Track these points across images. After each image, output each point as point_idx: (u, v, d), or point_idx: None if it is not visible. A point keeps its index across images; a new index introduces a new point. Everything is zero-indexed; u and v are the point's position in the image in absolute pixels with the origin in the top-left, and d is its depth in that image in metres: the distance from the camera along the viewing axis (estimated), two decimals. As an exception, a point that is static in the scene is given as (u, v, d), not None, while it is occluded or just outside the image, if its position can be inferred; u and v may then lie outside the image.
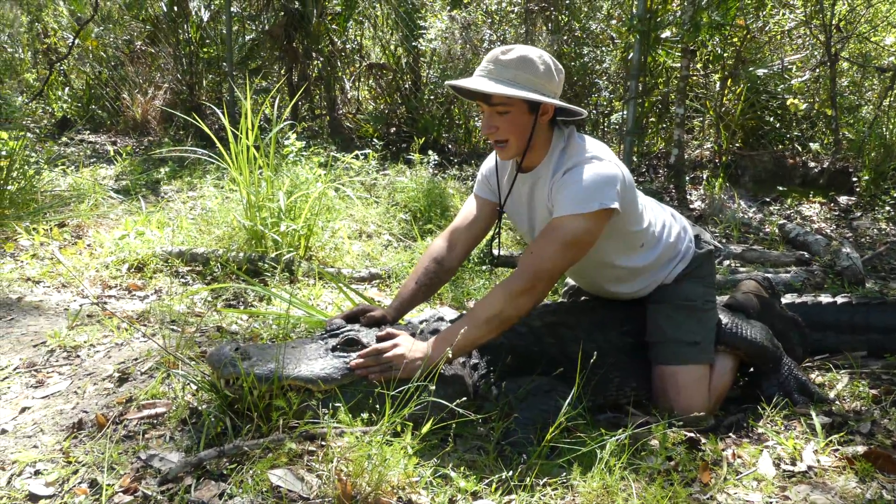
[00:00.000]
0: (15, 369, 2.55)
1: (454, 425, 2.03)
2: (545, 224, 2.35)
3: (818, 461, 2.16)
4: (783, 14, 6.11)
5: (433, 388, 1.90)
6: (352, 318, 2.46)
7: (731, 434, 2.46)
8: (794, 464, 2.16)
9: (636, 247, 2.51)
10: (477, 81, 2.27)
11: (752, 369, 2.86)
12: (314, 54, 7.99)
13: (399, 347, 2.17)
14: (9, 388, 2.42)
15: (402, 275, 3.83)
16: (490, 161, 2.67)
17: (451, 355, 2.06)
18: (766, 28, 6.29)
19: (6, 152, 4.27)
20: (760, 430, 2.43)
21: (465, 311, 3.00)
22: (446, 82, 2.45)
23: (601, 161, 2.29)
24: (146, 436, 2.07)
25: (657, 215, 2.62)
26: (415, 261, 3.97)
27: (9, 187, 4.03)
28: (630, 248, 2.51)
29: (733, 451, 2.26)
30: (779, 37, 6.39)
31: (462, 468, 1.93)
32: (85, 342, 2.78)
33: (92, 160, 6.84)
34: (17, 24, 10.46)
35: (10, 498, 1.79)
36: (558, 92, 2.33)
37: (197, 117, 4.37)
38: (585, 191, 2.21)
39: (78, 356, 2.68)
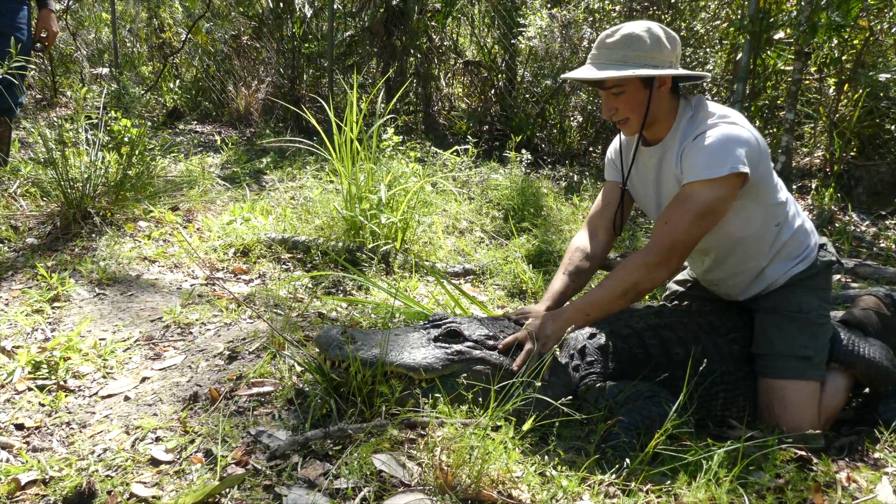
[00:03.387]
0: (135, 341, 2.72)
1: (557, 424, 2.02)
2: (673, 194, 2.33)
3: (946, 492, 2.01)
4: (913, 15, 5.72)
5: (539, 384, 1.89)
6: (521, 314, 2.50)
7: (843, 456, 2.33)
8: (917, 493, 2.03)
9: (770, 224, 2.42)
10: (587, 70, 2.30)
11: (866, 390, 2.71)
12: (412, 51, 8.10)
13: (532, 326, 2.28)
14: (130, 358, 2.58)
15: (496, 272, 3.83)
16: (615, 142, 2.68)
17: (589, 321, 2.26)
18: (893, 30, 5.89)
19: (128, 139, 4.54)
20: (877, 455, 2.29)
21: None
22: (562, 76, 2.48)
23: (731, 124, 2.24)
24: (255, 412, 2.15)
25: (791, 198, 2.53)
26: (509, 258, 3.96)
27: (129, 172, 4.28)
28: (767, 222, 2.41)
29: (847, 474, 2.14)
30: (905, 39, 5.99)
31: (562, 467, 1.91)
32: (196, 320, 2.93)
33: (199, 149, 7.19)
34: (138, 20, 11.13)
35: (134, 460, 1.91)
36: (674, 59, 2.30)
37: (305, 109, 4.51)
38: (715, 154, 2.17)
39: (191, 333, 2.82)
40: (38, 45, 4.75)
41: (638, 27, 2.26)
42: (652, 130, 2.42)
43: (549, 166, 6.84)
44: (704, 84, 6.89)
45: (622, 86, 2.28)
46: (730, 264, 2.53)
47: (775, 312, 2.49)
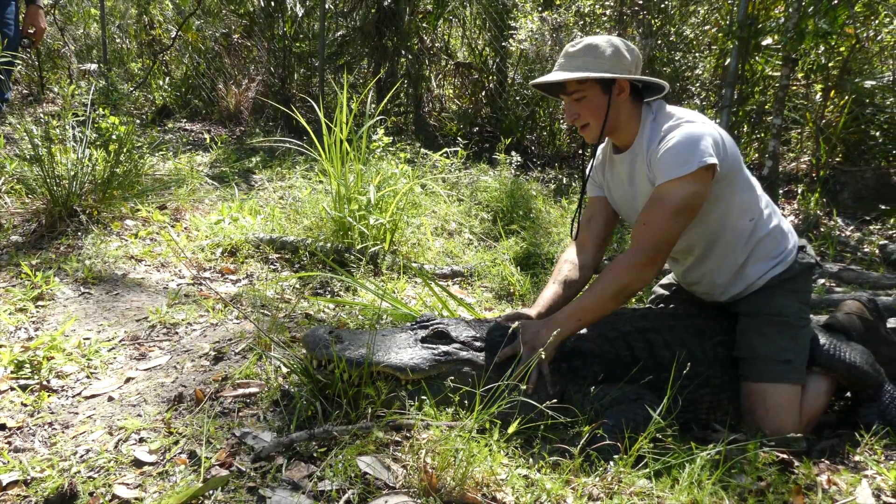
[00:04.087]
0: (120, 341, 2.71)
1: (542, 427, 2.03)
2: (648, 196, 2.39)
3: (924, 496, 2.04)
4: (898, 23, 5.78)
5: (524, 387, 1.90)
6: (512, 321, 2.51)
7: (824, 459, 2.35)
8: (896, 496, 2.05)
9: (744, 218, 2.48)
10: (550, 75, 2.43)
11: (848, 394, 2.74)
12: (403, 51, 8.10)
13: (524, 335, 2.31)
14: (115, 358, 2.56)
15: (484, 274, 3.83)
16: (594, 161, 2.75)
17: (582, 326, 2.33)
18: (878, 38, 5.95)
19: (116, 136, 4.52)
20: (858, 458, 2.31)
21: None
22: (530, 82, 2.60)
23: (692, 122, 2.34)
24: (240, 414, 2.15)
25: (767, 199, 2.59)
26: (497, 260, 3.97)
27: (116, 170, 4.25)
28: (741, 215, 2.47)
29: (828, 477, 2.16)
30: (891, 47, 6.03)
31: (546, 470, 1.92)
32: (183, 320, 2.92)
33: (188, 147, 7.16)
34: (127, 16, 11.06)
35: (117, 461, 1.90)
36: (633, 70, 2.42)
37: (294, 109, 4.50)
38: (682, 153, 2.26)
39: (176, 333, 2.81)
40: (26, 41, 4.72)
41: (599, 39, 2.41)
42: (618, 137, 2.52)
43: (539, 168, 6.86)
44: (693, 89, 6.93)
45: (583, 91, 2.40)
46: (709, 262, 2.57)
47: (756, 316, 2.52)
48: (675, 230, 2.29)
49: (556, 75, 2.41)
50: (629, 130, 2.47)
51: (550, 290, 2.62)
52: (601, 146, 2.72)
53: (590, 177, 2.74)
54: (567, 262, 2.71)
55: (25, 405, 2.24)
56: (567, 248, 2.82)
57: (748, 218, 2.48)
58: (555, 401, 2.08)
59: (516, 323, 2.32)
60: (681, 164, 2.24)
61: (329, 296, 3.47)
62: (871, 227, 5.51)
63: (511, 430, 1.93)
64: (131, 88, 9.11)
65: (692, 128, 2.30)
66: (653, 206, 2.31)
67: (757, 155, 6.72)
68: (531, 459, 1.98)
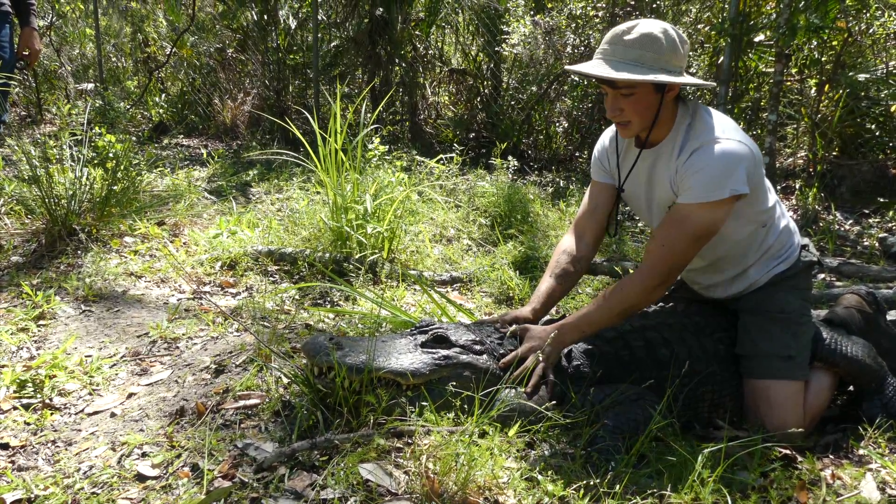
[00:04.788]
0: (122, 357, 2.71)
1: (542, 429, 2.03)
2: (664, 203, 2.35)
3: (928, 487, 2.04)
4: (889, 15, 5.78)
5: (523, 390, 1.90)
6: (509, 323, 2.51)
7: (828, 454, 2.35)
8: (901, 489, 2.05)
9: (759, 227, 2.44)
10: (599, 66, 2.20)
11: (851, 388, 2.73)
12: (397, 60, 8.13)
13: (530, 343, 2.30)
14: (117, 374, 2.57)
15: (483, 279, 3.84)
16: (603, 141, 2.64)
17: (584, 337, 2.32)
18: (870, 31, 5.97)
19: (113, 154, 4.54)
20: (862, 452, 2.31)
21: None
22: (566, 67, 2.44)
23: (729, 141, 2.21)
24: (242, 425, 2.16)
25: (777, 200, 2.54)
26: (496, 265, 3.97)
27: (114, 187, 4.27)
28: (754, 229, 2.43)
29: (832, 471, 2.16)
30: (883, 40, 6.05)
31: (548, 472, 1.92)
32: (183, 334, 2.92)
33: (186, 162, 7.18)
34: (122, 34, 11.12)
35: (120, 477, 1.90)
36: (684, 64, 2.25)
37: (290, 121, 4.52)
38: (715, 177, 2.16)
39: (177, 347, 2.82)
40: (21, 62, 4.75)
41: (655, 27, 2.18)
42: (651, 133, 2.37)
43: (536, 172, 6.88)
44: (687, 88, 6.96)
45: (633, 87, 2.20)
46: (714, 264, 2.55)
47: (758, 313, 2.51)
48: (691, 253, 2.26)
49: (605, 69, 2.17)
50: (663, 129, 2.34)
51: (546, 284, 2.59)
52: (611, 129, 2.58)
53: (597, 161, 2.66)
54: (565, 254, 2.63)
55: (28, 424, 2.24)
56: (564, 234, 2.75)
57: (761, 226, 2.45)
58: (554, 402, 2.08)
59: (514, 327, 2.31)
60: (712, 188, 2.16)
61: (329, 306, 3.48)
62: (869, 221, 5.52)
63: (511, 433, 1.94)
64: (128, 106, 9.15)
65: (730, 147, 2.18)
66: (673, 226, 2.24)
67: (753, 151, 6.72)
68: (533, 462, 1.98)
